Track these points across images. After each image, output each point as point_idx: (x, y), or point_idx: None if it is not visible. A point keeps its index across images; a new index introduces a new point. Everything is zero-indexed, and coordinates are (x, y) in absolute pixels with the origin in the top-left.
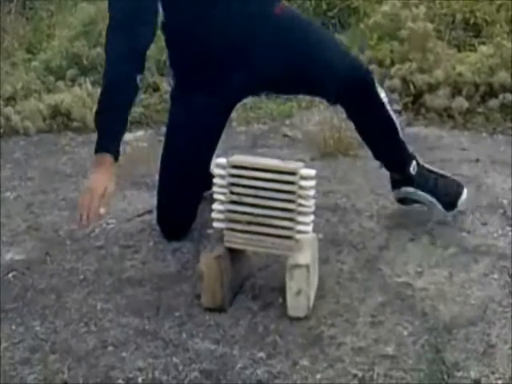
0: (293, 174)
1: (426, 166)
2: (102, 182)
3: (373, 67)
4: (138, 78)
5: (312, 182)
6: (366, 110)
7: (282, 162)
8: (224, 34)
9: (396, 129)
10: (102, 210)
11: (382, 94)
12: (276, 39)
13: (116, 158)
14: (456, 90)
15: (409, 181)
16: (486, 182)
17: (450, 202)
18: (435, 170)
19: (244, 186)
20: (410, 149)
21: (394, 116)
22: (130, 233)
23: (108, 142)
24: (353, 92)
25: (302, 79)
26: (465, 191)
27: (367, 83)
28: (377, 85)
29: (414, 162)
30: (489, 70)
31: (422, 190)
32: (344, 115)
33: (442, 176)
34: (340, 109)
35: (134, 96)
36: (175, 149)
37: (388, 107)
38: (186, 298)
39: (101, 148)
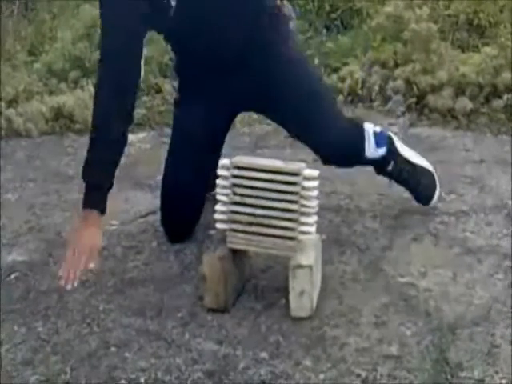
0: (296, 174)
1: (409, 158)
2: (89, 239)
3: (376, 69)
4: (128, 128)
5: (315, 183)
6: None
7: (285, 162)
8: (224, 39)
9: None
10: (91, 265)
11: (371, 146)
12: (272, 73)
13: (103, 212)
14: (460, 91)
15: (385, 175)
16: (489, 183)
17: (423, 196)
18: (417, 162)
19: (247, 187)
20: (412, 150)
21: (381, 154)
22: (133, 234)
23: (96, 198)
24: (340, 160)
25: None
26: (437, 190)
27: (354, 155)
28: (366, 140)
29: (392, 163)
30: (493, 71)
31: (397, 182)
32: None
33: (421, 171)
34: (344, 111)
35: (124, 148)
36: (179, 152)
37: (376, 152)
38: (188, 298)
39: (88, 204)
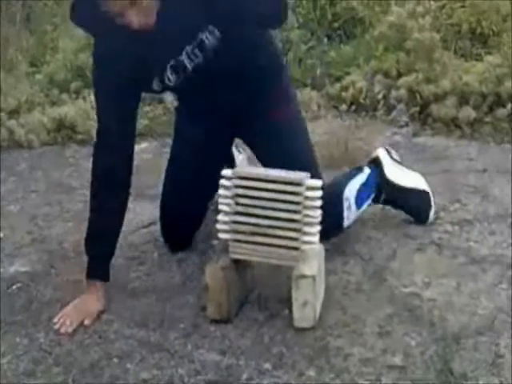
0: (298, 184)
1: (400, 183)
2: (90, 305)
3: (379, 78)
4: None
5: (318, 193)
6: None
7: (288, 172)
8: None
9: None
10: (86, 322)
11: (351, 213)
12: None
13: (107, 280)
14: (463, 100)
15: (378, 203)
16: (493, 192)
17: (419, 217)
18: (409, 186)
19: (249, 197)
20: (416, 160)
21: (364, 208)
22: (135, 244)
23: (98, 269)
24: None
25: None
26: (433, 208)
27: (330, 230)
28: (345, 211)
29: (383, 194)
30: (496, 80)
31: (393, 208)
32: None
33: (414, 193)
34: (347, 121)
35: (123, 219)
36: (180, 162)
37: (356, 213)
38: (191, 309)
39: (92, 275)
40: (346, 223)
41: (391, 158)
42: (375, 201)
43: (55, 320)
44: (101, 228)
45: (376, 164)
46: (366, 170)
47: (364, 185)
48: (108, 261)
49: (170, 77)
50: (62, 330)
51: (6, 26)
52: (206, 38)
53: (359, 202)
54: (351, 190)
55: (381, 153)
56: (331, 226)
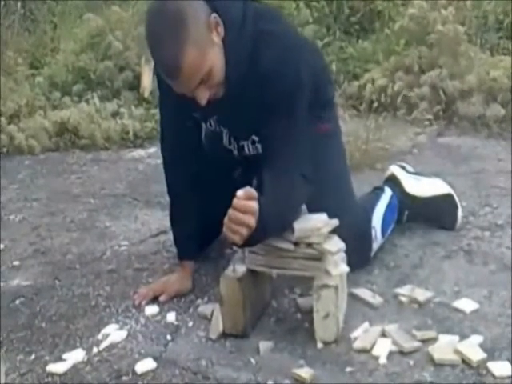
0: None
1: (421, 194)
2: (171, 283)
3: (400, 75)
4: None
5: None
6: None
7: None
8: None
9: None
10: (161, 298)
11: (377, 243)
12: None
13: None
14: (490, 97)
15: (402, 222)
16: None
17: (446, 223)
18: (430, 194)
19: None
20: (441, 161)
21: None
22: (144, 255)
23: (184, 249)
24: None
25: None
26: (459, 210)
27: (360, 262)
28: (373, 242)
29: (406, 212)
30: None
31: (417, 222)
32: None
33: (437, 200)
34: (367, 120)
35: (196, 196)
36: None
37: (381, 240)
38: (205, 322)
39: (180, 256)
40: (372, 254)
41: (406, 171)
42: (398, 222)
43: (135, 297)
44: (176, 207)
45: (393, 182)
46: (388, 191)
47: (388, 207)
48: (191, 239)
49: (213, 123)
50: (136, 302)
51: (4, 27)
52: (247, 146)
53: (385, 227)
54: (378, 217)
55: (395, 170)
56: (359, 259)
